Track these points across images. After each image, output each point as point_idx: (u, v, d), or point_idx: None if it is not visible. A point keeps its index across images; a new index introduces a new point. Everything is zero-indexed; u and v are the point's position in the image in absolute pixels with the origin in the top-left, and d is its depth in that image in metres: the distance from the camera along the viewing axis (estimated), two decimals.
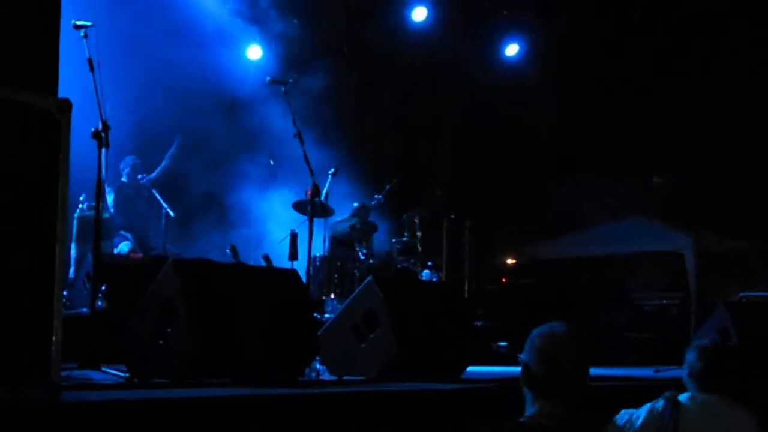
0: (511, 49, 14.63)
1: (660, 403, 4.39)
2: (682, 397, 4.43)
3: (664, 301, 13.22)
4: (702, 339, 4.86)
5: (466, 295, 11.27)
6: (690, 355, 4.58)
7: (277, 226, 11.36)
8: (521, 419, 3.17)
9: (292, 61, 12.06)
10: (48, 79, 3.67)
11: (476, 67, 14.32)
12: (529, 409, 3.18)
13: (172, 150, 10.30)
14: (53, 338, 3.63)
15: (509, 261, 13.58)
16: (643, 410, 4.46)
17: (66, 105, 3.73)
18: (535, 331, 3.21)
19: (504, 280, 12.79)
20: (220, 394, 4.42)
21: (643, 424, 4.40)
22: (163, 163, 10.29)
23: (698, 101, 13.50)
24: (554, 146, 14.35)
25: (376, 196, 11.78)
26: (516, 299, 12.31)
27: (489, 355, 9.77)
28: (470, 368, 6.98)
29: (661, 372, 8.04)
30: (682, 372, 4.73)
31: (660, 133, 13.79)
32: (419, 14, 13.66)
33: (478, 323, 10.57)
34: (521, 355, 3.28)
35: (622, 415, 4.55)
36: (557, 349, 3.12)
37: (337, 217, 11.10)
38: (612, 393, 5.97)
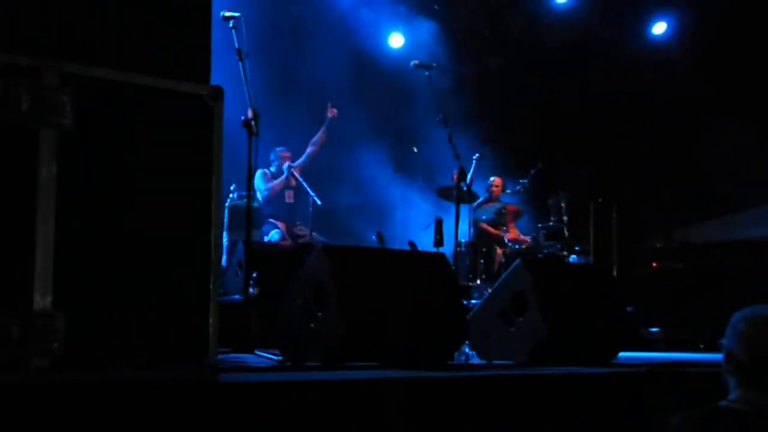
0: (659, 28, 14.23)
1: None
2: None
3: None
4: None
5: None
6: None
7: (421, 213, 11.40)
8: (720, 403, 3.02)
9: (434, 47, 12.04)
10: (201, 67, 3.76)
11: (622, 47, 13.98)
12: (732, 394, 3.03)
13: (316, 137, 10.42)
14: (210, 320, 3.73)
15: (659, 244, 13.17)
16: None
17: (218, 92, 3.81)
18: (738, 315, 3.02)
19: (654, 264, 12.42)
20: (371, 376, 4.47)
21: None
22: (308, 150, 10.42)
23: None
24: (709, 127, 13.84)
25: (521, 180, 11.67)
26: (667, 284, 11.95)
27: (640, 341, 9.53)
28: (621, 354, 6.81)
29: None
30: None
31: None
32: None
33: (629, 308, 10.33)
34: (723, 341, 3.08)
35: None
36: (763, 334, 2.95)
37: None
38: None
